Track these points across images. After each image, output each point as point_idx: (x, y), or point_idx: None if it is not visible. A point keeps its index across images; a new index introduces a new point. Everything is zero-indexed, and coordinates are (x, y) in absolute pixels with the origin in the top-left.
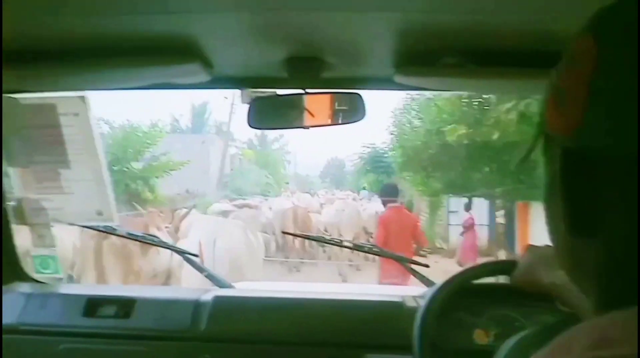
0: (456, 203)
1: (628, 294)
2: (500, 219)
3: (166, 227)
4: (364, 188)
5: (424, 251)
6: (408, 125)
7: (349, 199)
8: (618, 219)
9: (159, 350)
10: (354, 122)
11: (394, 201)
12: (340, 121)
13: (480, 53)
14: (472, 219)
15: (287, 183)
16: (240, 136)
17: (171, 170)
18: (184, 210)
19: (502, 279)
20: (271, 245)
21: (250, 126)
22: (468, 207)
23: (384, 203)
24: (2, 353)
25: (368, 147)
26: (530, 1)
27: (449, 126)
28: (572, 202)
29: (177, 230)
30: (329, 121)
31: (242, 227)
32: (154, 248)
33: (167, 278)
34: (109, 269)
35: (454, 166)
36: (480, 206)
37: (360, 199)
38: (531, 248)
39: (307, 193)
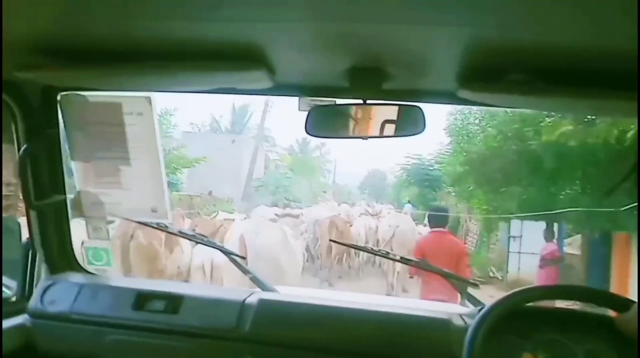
0: (518, 226)
1: None
2: (572, 249)
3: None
4: (408, 202)
5: (476, 280)
6: (475, 127)
7: (393, 213)
8: None
9: (203, 347)
10: (413, 135)
11: (442, 227)
12: (399, 134)
13: (547, 71)
14: (558, 250)
15: (325, 192)
16: (281, 142)
17: (183, 167)
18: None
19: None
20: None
21: (308, 133)
22: (550, 234)
23: (430, 227)
24: (55, 340)
25: (413, 158)
26: (600, 21)
27: (548, 121)
28: None
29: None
30: (388, 133)
31: (283, 230)
32: (178, 248)
33: (188, 276)
34: (135, 267)
35: (533, 180)
36: (537, 230)
37: (405, 214)
38: None
39: (345, 203)
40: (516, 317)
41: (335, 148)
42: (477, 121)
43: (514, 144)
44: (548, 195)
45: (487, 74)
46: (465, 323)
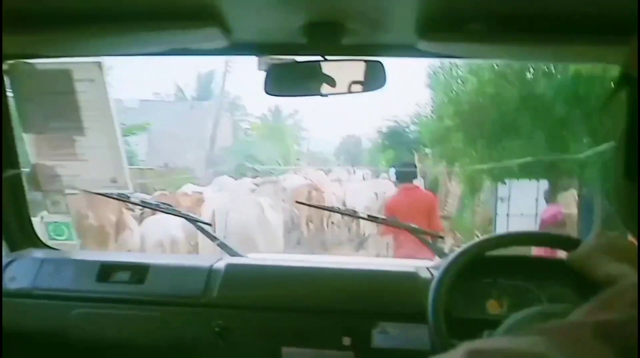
0: (506, 187)
1: None
2: (568, 209)
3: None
4: (393, 167)
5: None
6: (464, 73)
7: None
8: None
9: (171, 315)
10: (374, 90)
11: (409, 182)
12: (359, 90)
13: (507, 18)
14: (560, 213)
15: (299, 159)
16: (253, 111)
17: (124, 136)
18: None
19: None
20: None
21: (267, 92)
22: (549, 196)
23: (399, 182)
24: (18, 317)
25: (389, 120)
26: None
27: None
28: (634, 142)
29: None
30: (348, 89)
31: (260, 205)
32: (128, 229)
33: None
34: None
35: (538, 133)
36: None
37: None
38: (601, 234)
39: (320, 170)
40: (480, 265)
41: (309, 114)
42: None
43: (513, 87)
44: (559, 148)
45: (446, 24)
46: (432, 275)
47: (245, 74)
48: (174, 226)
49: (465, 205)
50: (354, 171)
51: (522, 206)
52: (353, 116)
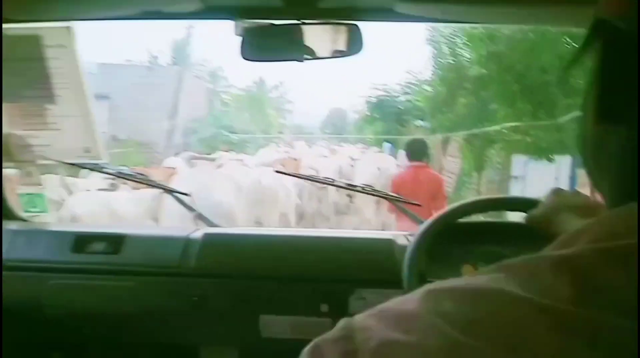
0: (521, 164)
1: None
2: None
3: None
4: (387, 141)
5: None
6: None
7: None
8: None
9: (148, 285)
10: (351, 55)
11: (420, 161)
12: (336, 55)
13: None
14: None
15: (281, 133)
16: (236, 82)
17: None
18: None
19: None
20: None
21: (243, 57)
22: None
23: (409, 160)
24: None
25: (378, 89)
26: None
27: None
28: (605, 84)
29: None
30: (325, 54)
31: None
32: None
33: None
34: None
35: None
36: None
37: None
38: (558, 190)
39: (302, 141)
40: (455, 231)
41: (294, 86)
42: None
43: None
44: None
45: None
46: (409, 241)
47: (226, 44)
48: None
49: (465, 184)
50: (341, 146)
51: (540, 187)
52: (340, 87)
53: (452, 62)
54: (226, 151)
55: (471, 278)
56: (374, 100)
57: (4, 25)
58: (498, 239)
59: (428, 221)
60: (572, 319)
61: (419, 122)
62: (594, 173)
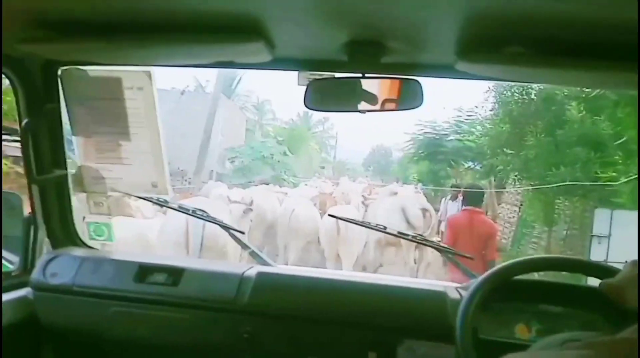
0: (605, 219)
1: None
2: None
3: None
4: (418, 181)
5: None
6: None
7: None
8: None
9: (202, 318)
10: (411, 109)
11: (476, 206)
12: (396, 108)
13: (548, 42)
14: None
15: (323, 168)
16: (281, 115)
17: None
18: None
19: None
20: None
21: (306, 106)
22: None
23: (465, 205)
24: (57, 311)
25: (425, 126)
26: None
27: None
28: None
29: None
30: (386, 107)
31: None
32: None
33: None
34: None
35: None
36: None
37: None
38: (637, 262)
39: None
40: (511, 289)
41: (338, 122)
42: None
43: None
44: None
45: (486, 45)
46: (461, 295)
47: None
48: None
49: (526, 237)
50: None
51: (627, 250)
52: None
53: (520, 96)
54: (265, 183)
55: (558, 352)
56: (420, 138)
57: (92, 68)
58: (554, 300)
59: (483, 277)
60: None
61: (469, 164)
62: None
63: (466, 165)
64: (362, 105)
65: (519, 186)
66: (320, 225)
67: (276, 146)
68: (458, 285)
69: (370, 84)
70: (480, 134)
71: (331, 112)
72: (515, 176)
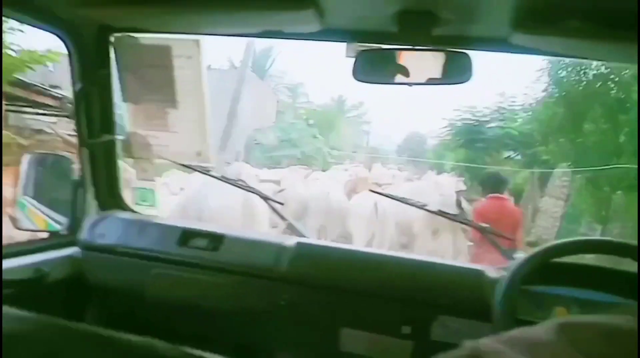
0: None
1: None
2: None
3: None
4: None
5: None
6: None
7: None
8: None
9: (241, 284)
10: (459, 83)
11: (499, 193)
12: (445, 81)
13: (610, 15)
14: None
15: (355, 152)
16: (315, 98)
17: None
18: None
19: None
20: None
21: (355, 78)
22: None
23: (485, 193)
24: (102, 271)
25: (463, 112)
26: None
27: None
28: None
29: None
30: (434, 80)
31: None
32: None
33: None
34: None
35: None
36: None
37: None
38: None
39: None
40: (553, 271)
41: (373, 107)
42: None
43: None
44: None
45: (543, 18)
46: (500, 274)
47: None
48: None
49: (573, 234)
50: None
51: None
52: (421, 111)
53: (577, 77)
54: (293, 166)
55: (604, 316)
56: (458, 124)
57: (143, 36)
58: (595, 284)
59: (526, 256)
60: None
61: (509, 154)
62: None
63: (506, 154)
64: (410, 78)
65: (566, 178)
66: (352, 207)
67: (306, 129)
68: (497, 266)
69: (418, 57)
70: (524, 121)
71: (380, 85)
72: (568, 166)
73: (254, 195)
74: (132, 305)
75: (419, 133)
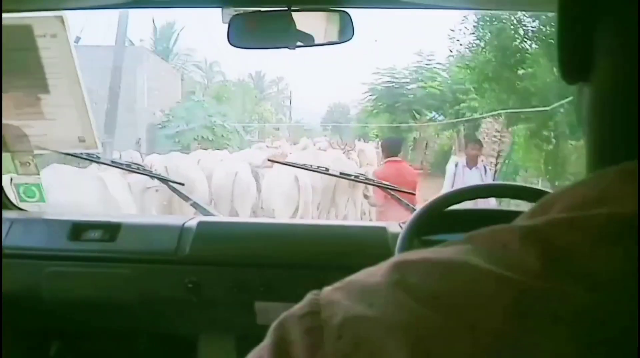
0: None
1: (619, 148)
2: None
3: None
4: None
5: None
6: None
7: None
8: (612, 61)
9: (143, 272)
10: (342, 42)
11: (395, 156)
12: (326, 41)
13: None
14: None
15: (277, 129)
16: (231, 76)
17: None
18: None
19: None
20: None
21: (230, 44)
22: None
23: (385, 157)
24: None
25: (383, 74)
26: None
27: None
28: (566, 42)
29: None
30: (315, 41)
31: None
32: None
33: None
34: None
35: None
36: None
37: None
38: None
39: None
40: (449, 220)
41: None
42: None
43: None
44: None
45: None
46: (401, 229)
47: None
48: None
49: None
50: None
51: None
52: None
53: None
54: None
55: (439, 249)
56: (379, 88)
57: None
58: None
59: (421, 207)
60: (536, 293)
61: (433, 115)
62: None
63: (429, 116)
64: (290, 39)
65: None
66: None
67: (216, 107)
68: (400, 221)
69: (298, 18)
70: (446, 78)
71: (258, 49)
72: (497, 115)
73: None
74: (30, 308)
75: (342, 104)
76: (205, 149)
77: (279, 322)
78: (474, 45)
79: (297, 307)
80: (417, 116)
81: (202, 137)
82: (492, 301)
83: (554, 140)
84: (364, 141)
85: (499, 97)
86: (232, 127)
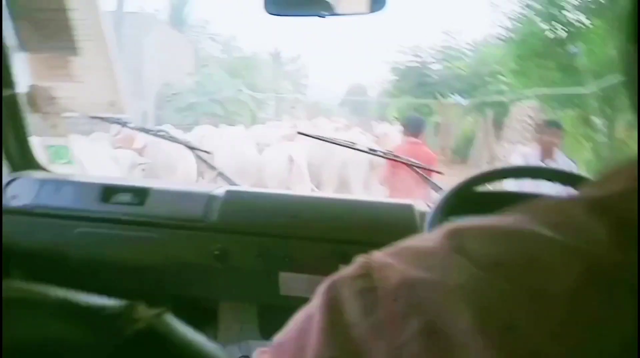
0: None
1: None
2: None
3: None
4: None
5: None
6: None
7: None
8: None
9: (170, 237)
10: (373, 12)
11: (416, 137)
12: (358, 11)
13: None
14: None
15: (293, 107)
16: (248, 52)
17: None
18: None
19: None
20: None
21: (266, 11)
22: None
23: (406, 135)
24: (20, 234)
25: (407, 53)
26: None
27: None
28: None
29: None
30: (346, 10)
31: None
32: None
33: None
34: None
35: None
36: None
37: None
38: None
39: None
40: (478, 201)
41: (311, 58)
42: None
43: None
44: None
45: None
46: (429, 207)
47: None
48: None
49: None
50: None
51: None
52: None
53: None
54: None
55: (497, 218)
56: (401, 68)
57: None
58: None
59: (451, 187)
60: (609, 264)
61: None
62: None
63: (452, 99)
64: (323, 8)
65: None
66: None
67: (230, 81)
68: (426, 199)
69: None
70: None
71: (291, 17)
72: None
73: None
74: (57, 266)
75: (361, 84)
76: (216, 126)
77: (329, 283)
78: (520, 15)
79: (348, 269)
80: (441, 98)
81: (214, 113)
82: (564, 269)
83: (605, 129)
84: (389, 124)
85: (544, 75)
86: (246, 102)
